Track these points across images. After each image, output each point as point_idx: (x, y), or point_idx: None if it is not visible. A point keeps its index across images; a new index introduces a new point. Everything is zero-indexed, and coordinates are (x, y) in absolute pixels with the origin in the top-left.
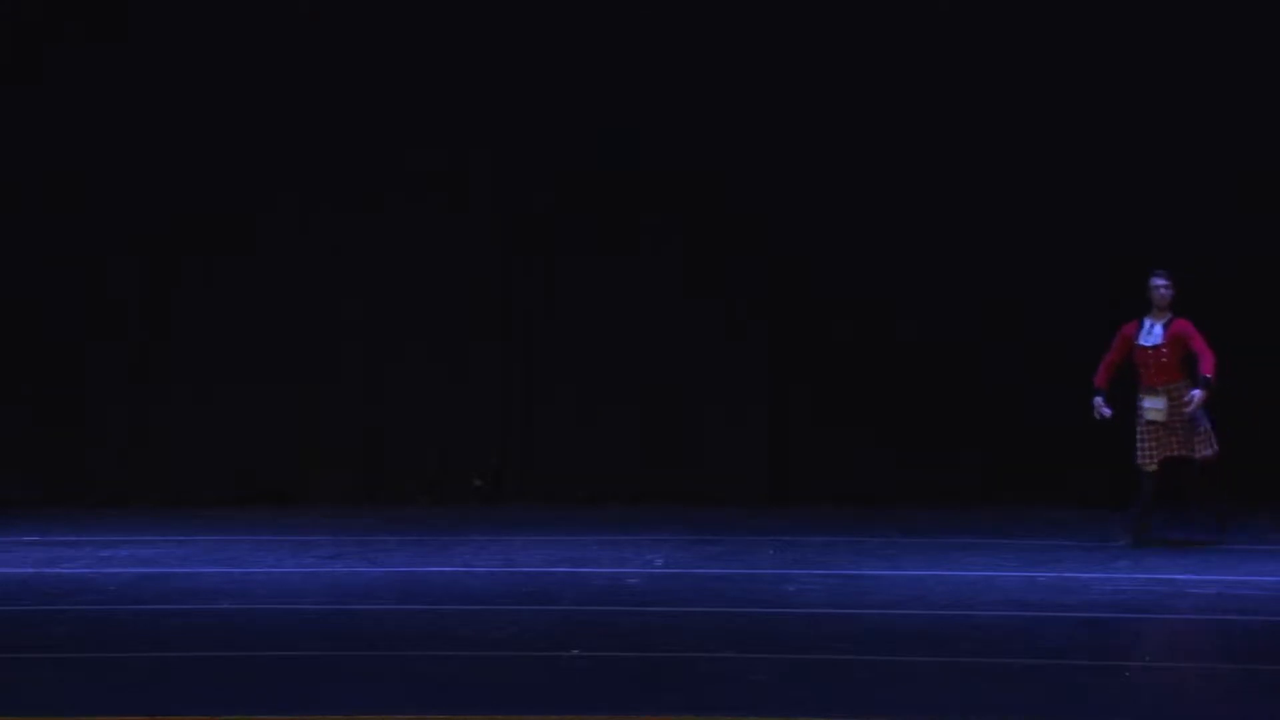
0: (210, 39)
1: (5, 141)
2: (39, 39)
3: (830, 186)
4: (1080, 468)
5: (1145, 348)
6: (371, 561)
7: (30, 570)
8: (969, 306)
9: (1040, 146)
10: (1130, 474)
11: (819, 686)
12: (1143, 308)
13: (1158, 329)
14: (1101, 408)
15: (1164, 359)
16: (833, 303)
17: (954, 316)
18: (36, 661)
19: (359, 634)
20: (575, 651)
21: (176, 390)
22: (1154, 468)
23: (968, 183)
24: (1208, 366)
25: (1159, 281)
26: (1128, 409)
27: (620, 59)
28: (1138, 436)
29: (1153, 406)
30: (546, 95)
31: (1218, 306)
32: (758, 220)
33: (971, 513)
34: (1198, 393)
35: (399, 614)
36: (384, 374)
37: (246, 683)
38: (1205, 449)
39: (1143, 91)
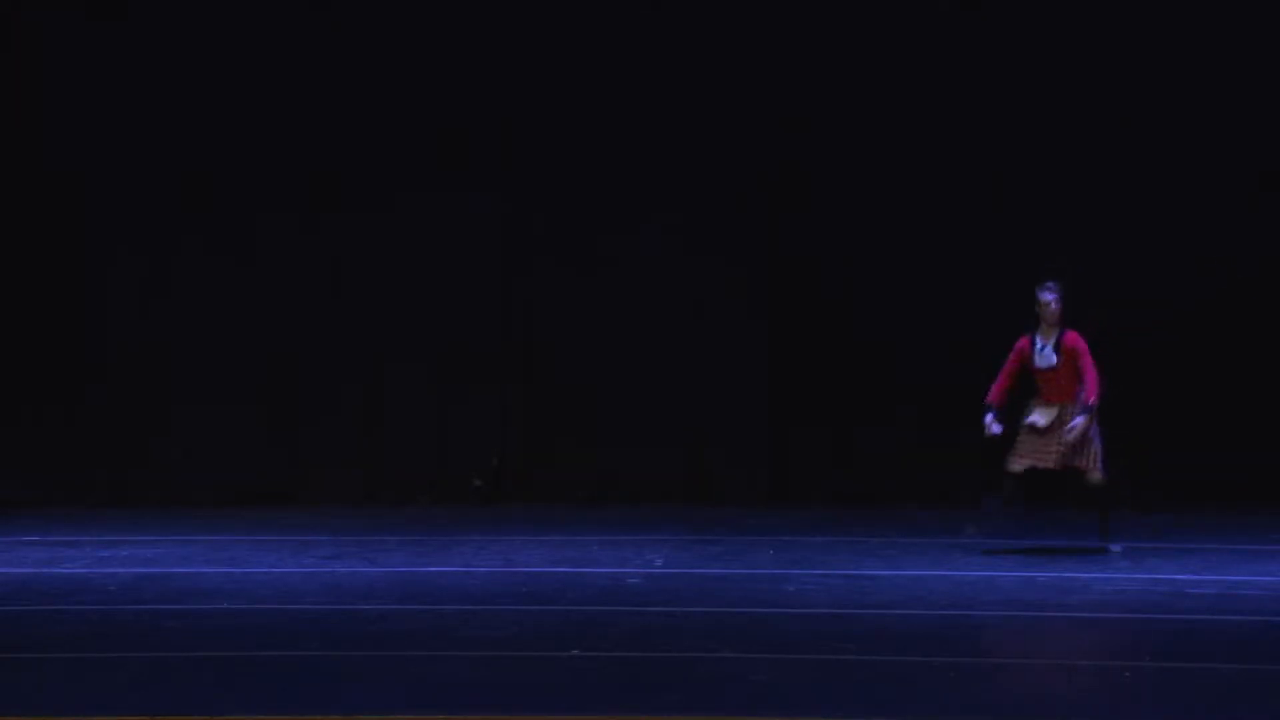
0: (204, 45)
1: (5, 141)
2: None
3: (833, 186)
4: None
5: (1041, 369)
6: (371, 561)
7: (30, 570)
8: (969, 307)
9: (1040, 141)
10: (1127, 471)
11: (819, 686)
12: (1144, 307)
13: (1049, 349)
14: (992, 425)
15: (1061, 379)
16: (834, 303)
17: (955, 317)
18: (36, 661)
19: (359, 634)
20: (575, 651)
21: (176, 390)
22: (1018, 469)
23: (972, 183)
24: (1090, 393)
25: (1048, 296)
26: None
27: (616, 62)
28: (1016, 439)
29: (1040, 416)
30: (546, 98)
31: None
32: (759, 219)
33: (971, 513)
34: (1080, 420)
35: (399, 614)
36: (384, 374)
37: (246, 683)
38: (1094, 472)
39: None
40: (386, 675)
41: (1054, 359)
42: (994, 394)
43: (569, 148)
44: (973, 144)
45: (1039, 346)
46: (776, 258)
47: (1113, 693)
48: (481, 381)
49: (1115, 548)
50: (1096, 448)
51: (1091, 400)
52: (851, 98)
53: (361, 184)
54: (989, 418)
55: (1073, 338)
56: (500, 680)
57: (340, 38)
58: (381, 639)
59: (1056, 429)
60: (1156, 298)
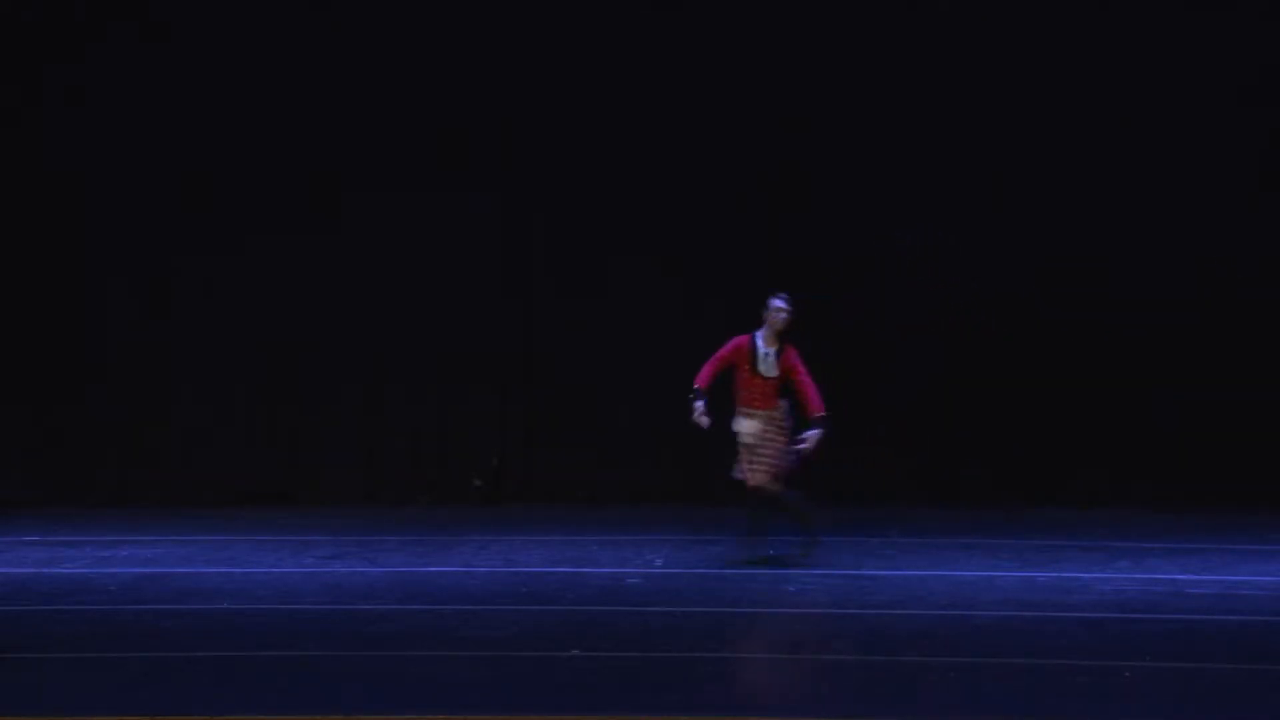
0: (206, 46)
1: (5, 141)
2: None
3: (833, 186)
4: (1080, 468)
5: (758, 375)
6: (371, 561)
7: (30, 570)
8: (967, 307)
9: (1040, 141)
10: (1125, 475)
11: (819, 686)
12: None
13: (771, 357)
14: (702, 416)
15: (768, 388)
16: (833, 302)
17: (952, 317)
18: (36, 661)
19: (359, 634)
20: (575, 651)
21: (177, 390)
22: (760, 479)
23: (972, 183)
24: (817, 405)
25: (779, 304)
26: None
27: (616, 62)
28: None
29: (747, 430)
30: (546, 98)
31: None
32: (759, 219)
33: (971, 513)
34: (814, 433)
35: (399, 614)
36: (384, 374)
37: (246, 683)
38: (766, 471)
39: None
40: (386, 675)
41: (774, 369)
42: (703, 379)
43: (569, 148)
44: (973, 144)
45: (762, 353)
46: (776, 258)
47: (1113, 693)
48: (481, 381)
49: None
50: (792, 459)
51: (820, 413)
52: (851, 98)
53: (361, 184)
54: (700, 405)
55: (792, 354)
56: (500, 680)
57: (340, 38)
58: (381, 639)
59: (767, 436)
60: (1157, 297)
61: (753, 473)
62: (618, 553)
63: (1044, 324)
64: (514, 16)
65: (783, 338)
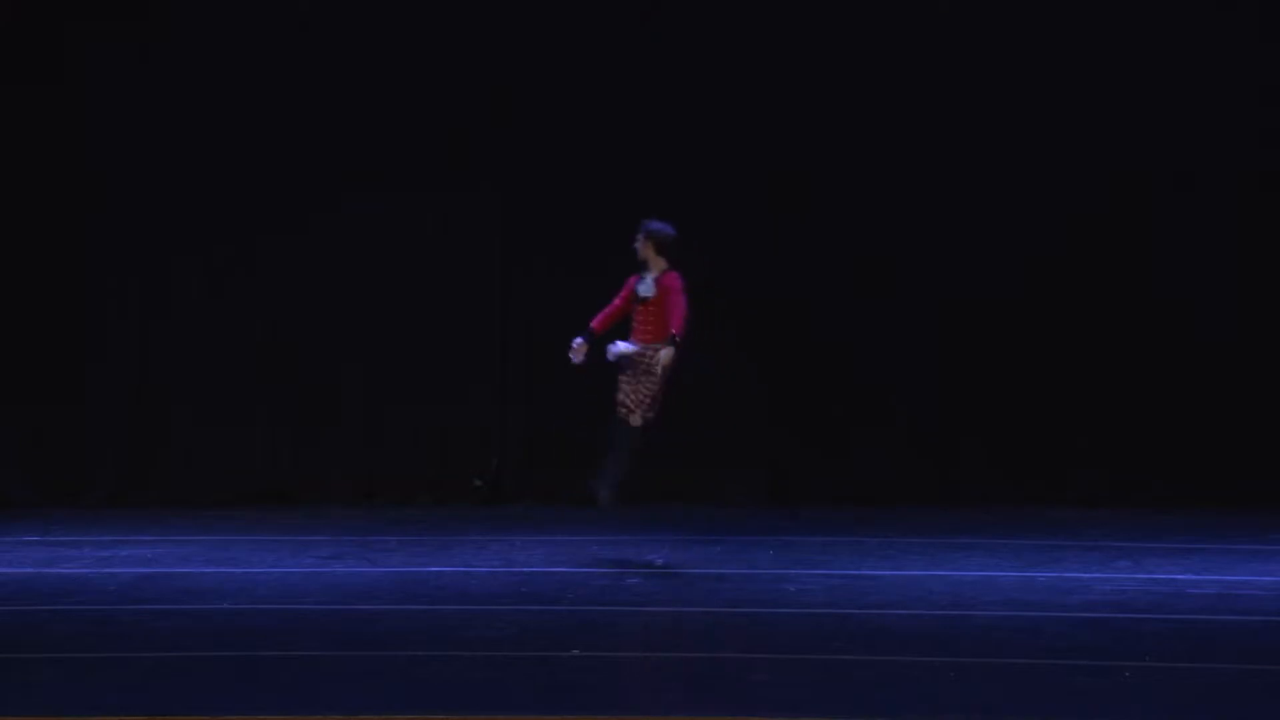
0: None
1: (8, 144)
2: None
3: (833, 186)
4: (1080, 468)
5: (638, 301)
6: (371, 561)
7: (30, 570)
8: (966, 307)
9: (1040, 140)
10: (1125, 475)
11: (819, 686)
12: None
13: (649, 282)
14: (577, 352)
15: (652, 315)
16: (833, 303)
17: (952, 317)
18: (36, 661)
19: (359, 634)
20: (575, 651)
21: (177, 390)
22: (638, 420)
23: (965, 184)
24: (676, 323)
25: (637, 236)
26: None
27: (616, 62)
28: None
29: (621, 350)
30: (547, 97)
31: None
32: (759, 219)
33: (971, 513)
34: (666, 350)
35: (399, 614)
36: (384, 374)
37: (246, 683)
38: (634, 415)
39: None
40: (386, 675)
41: (651, 291)
42: (596, 320)
43: (569, 148)
44: (972, 144)
45: (644, 278)
46: (776, 258)
47: (1113, 693)
48: (481, 381)
49: (603, 493)
50: (647, 391)
51: (676, 331)
52: (852, 97)
53: (361, 184)
54: (578, 341)
55: (672, 276)
56: (500, 680)
57: (340, 38)
58: (381, 639)
59: (641, 370)
60: (1157, 297)
61: (632, 412)
62: (618, 553)
63: (1044, 324)
64: (514, 16)
65: (669, 267)
